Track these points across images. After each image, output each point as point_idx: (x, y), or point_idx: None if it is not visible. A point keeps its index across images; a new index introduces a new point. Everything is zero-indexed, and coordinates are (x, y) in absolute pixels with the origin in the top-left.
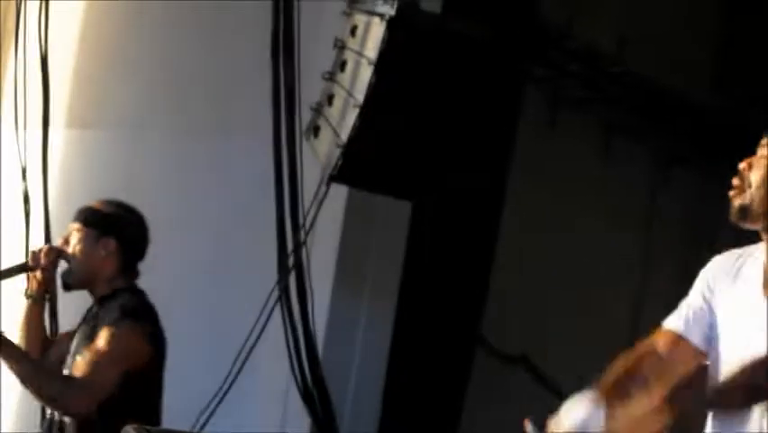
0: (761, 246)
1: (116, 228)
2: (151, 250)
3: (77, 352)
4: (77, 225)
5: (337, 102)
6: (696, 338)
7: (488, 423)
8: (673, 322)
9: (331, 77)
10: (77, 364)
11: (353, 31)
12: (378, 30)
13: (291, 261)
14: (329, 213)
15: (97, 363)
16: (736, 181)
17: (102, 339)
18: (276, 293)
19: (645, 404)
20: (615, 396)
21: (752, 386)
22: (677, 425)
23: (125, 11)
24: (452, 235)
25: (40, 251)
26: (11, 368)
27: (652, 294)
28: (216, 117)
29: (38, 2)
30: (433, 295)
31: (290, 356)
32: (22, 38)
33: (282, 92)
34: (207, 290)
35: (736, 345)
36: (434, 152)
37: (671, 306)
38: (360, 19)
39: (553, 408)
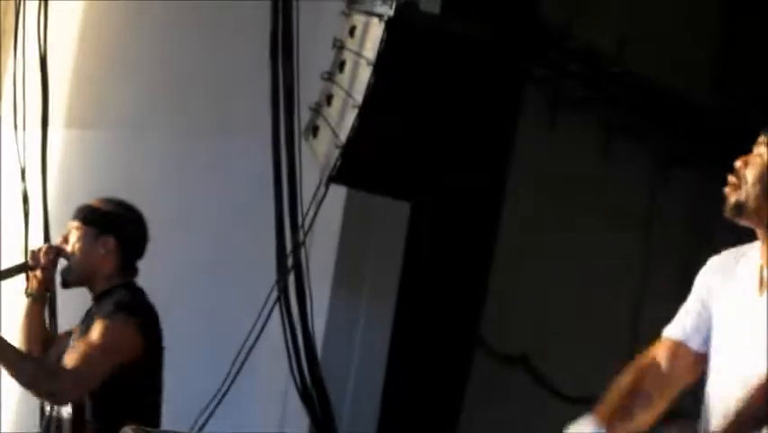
0: (755, 245)
1: (115, 226)
2: (151, 250)
3: (72, 347)
4: (76, 224)
5: (336, 102)
6: (696, 344)
7: (487, 424)
8: (672, 330)
9: (330, 77)
10: (69, 355)
11: (352, 31)
12: (376, 30)
13: (290, 261)
14: (328, 213)
15: (88, 354)
16: (732, 178)
17: (95, 331)
18: (275, 294)
19: (648, 421)
20: (617, 417)
21: (757, 418)
22: None
23: (125, 11)
24: (451, 236)
25: (39, 250)
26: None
27: (652, 294)
28: (216, 117)
29: (37, 2)
30: (432, 296)
31: (289, 357)
32: (21, 38)
33: (281, 92)
34: (207, 291)
35: (730, 345)
36: (433, 152)
37: (671, 306)
38: (358, 19)
39: (552, 408)
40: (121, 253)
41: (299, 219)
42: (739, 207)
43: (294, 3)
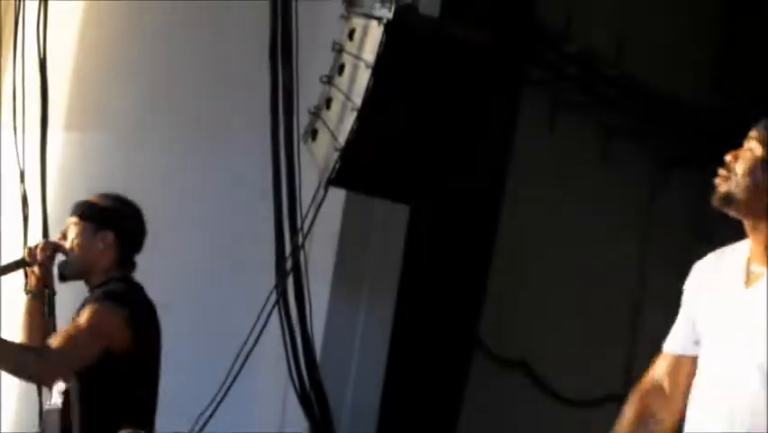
0: (746, 241)
1: (114, 221)
2: (150, 251)
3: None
4: (74, 219)
5: (335, 105)
6: (694, 352)
7: (485, 426)
8: (669, 344)
9: (329, 80)
10: (55, 337)
11: (351, 34)
12: (375, 33)
13: (289, 263)
14: (327, 216)
15: (72, 335)
16: (722, 171)
17: (82, 315)
18: (274, 296)
19: None
20: None
21: None
22: None
23: (125, 12)
24: (450, 239)
25: (36, 246)
26: None
27: (651, 294)
28: (215, 120)
29: (36, 2)
30: (431, 298)
31: (288, 359)
32: (20, 39)
33: (280, 95)
34: (206, 293)
35: (721, 340)
36: (431, 155)
37: (670, 306)
38: (357, 22)
39: (550, 411)
40: (119, 248)
41: (298, 222)
42: (728, 198)
43: (293, 6)
